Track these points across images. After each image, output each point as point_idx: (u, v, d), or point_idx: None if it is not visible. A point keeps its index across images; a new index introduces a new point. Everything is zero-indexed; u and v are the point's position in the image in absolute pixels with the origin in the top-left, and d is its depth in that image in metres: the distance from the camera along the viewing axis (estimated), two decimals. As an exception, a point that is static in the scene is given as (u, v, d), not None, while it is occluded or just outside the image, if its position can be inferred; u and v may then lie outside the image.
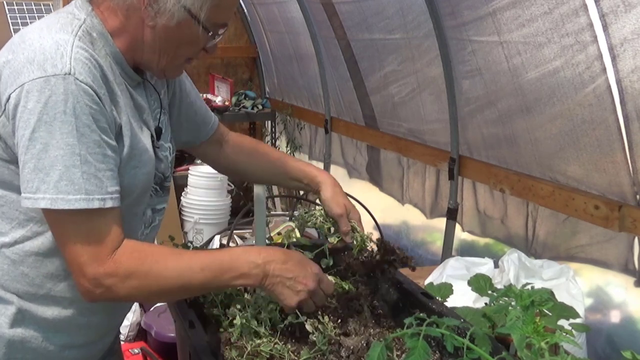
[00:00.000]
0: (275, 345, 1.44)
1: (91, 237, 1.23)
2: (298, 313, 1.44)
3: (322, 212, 1.71)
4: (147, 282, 1.27)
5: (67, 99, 1.19)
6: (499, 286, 1.97)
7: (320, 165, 4.75)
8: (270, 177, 1.77)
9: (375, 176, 4.11)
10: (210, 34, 1.34)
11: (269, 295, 1.38)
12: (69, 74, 1.20)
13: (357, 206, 3.87)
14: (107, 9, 1.33)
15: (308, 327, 1.44)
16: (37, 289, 1.35)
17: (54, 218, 1.24)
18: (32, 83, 1.20)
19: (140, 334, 2.77)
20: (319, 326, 1.47)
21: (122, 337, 2.73)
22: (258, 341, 1.45)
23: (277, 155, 1.76)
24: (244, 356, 1.43)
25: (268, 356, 1.44)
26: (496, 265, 2.42)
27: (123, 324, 2.77)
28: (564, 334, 1.16)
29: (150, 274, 1.27)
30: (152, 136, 1.43)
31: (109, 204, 1.23)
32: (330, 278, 1.53)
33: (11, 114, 1.22)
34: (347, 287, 1.59)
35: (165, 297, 1.36)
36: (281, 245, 1.77)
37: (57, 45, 1.23)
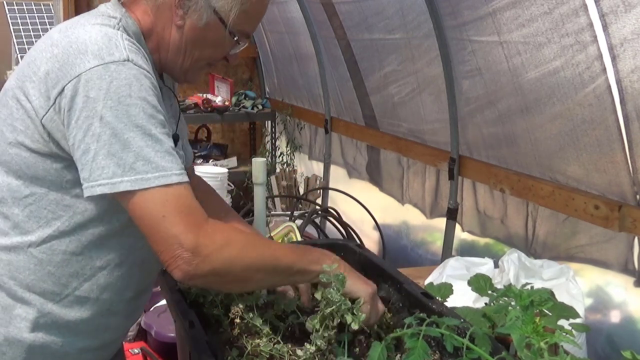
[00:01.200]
0: (275, 345, 1.44)
1: (181, 208, 1.21)
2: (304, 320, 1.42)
3: None
4: (243, 253, 1.25)
5: (130, 83, 1.20)
6: (499, 286, 1.97)
7: (321, 165, 4.75)
8: None
9: (375, 176, 4.11)
10: (235, 39, 1.36)
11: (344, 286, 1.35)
12: (128, 60, 1.21)
13: (357, 206, 3.88)
14: (139, 10, 1.35)
15: (308, 325, 1.44)
16: (62, 289, 1.34)
17: (135, 200, 1.21)
18: (90, 72, 1.20)
19: (140, 334, 2.76)
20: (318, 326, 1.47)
21: (122, 337, 2.73)
22: (257, 341, 1.45)
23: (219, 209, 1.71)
24: (244, 356, 1.43)
25: (268, 356, 1.44)
26: (496, 265, 2.42)
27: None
28: (564, 334, 1.16)
29: (247, 244, 1.27)
30: (172, 141, 1.44)
31: (186, 179, 1.23)
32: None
33: (67, 107, 1.21)
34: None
35: (255, 274, 1.29)
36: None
37: (109, 37, 1.24)
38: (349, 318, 1.33)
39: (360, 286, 1.37)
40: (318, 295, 1.37)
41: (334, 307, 1.32)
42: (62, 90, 1.21)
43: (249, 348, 1.43)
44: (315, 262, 1.33)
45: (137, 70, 1.21)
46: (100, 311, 1.39)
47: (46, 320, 1.35)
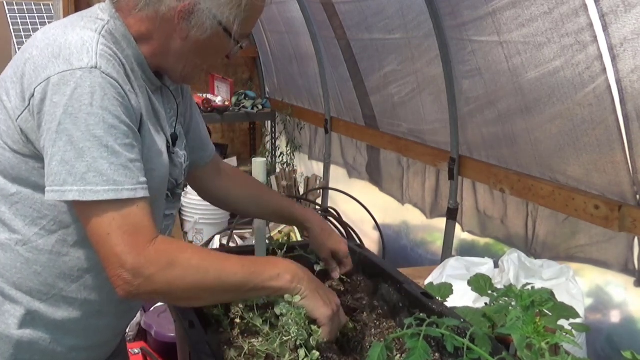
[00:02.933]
0: (273, 345, 1.44)
1: (126, 226, 1.19)
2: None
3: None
4: (187, 273, 1.22)
5: (93, 92, 1.19)
6: (499, 286, 1.97)
7: (321, 165, 4.75)
8: (261, 213, 1.77)
9: (375, 176, 4.11)
10: (239, 45, 1.39)
11: (301, 302, 1.34)
12: (95, 67, 1.21)
13: (357, 206, 3.88)
14: (134, 17, 1.34)
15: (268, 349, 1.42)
16: (49, 289, 1.34)
17: (84, 211, 1.21)
18: (58, 76, 1.19)
19: (140, 334, 2.76)
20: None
21: (122, 337, 2.73)
22: (254, 341, 1.45)
23: (270, 194, 1.78)
24: (243, 356, 1.43)
25: (265, 355, 1.44)
26: (496, 265, 2.42)
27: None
28: (564, 334, 1.16)
29: (192, 263, 1.23)
30: (167, 141, 1.43)
31: (141, 194, 1.21)
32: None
33: (37, 109, 1.21)
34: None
35: (201, 293, 1.27)
36: (282, 244, 1.77)
37: (83, 41, 1.24)
38: (308, 343, 1.33)
39: (319, 310, 1.34)
40: (277, 311, 1.38)
41: (290, 337, 1.34)
42: (34, 92, 1.21)
43: (246, 348, 1.43)
44: (275, 278, 1.30)
45: (103, 78, 1.20)
46: (89, 312, 1.39)
47: (33, 318, 1.35)
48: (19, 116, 1.25)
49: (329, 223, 1.67)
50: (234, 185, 1.75)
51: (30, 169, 1.28)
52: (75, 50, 1.22)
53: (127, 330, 2.86)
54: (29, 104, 1.23)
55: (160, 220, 1.45)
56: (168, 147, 1.43)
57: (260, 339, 1.45)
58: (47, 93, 1.20)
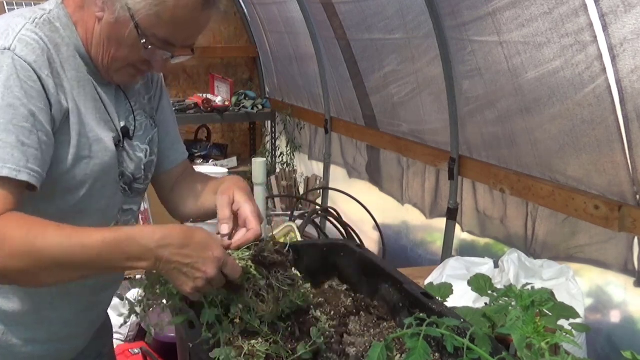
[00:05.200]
0: (272, 345, 1.44)
1: None
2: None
3: None
4: (17, 253, 1.14)
5: (0, 70, 1.21)
6: (499, 286, 1.97)
7: (321, 165, 4.75)
8: (201, 203, 1.60)
9: (375, 176, 4.11)
10: (143, 41, 1.31)
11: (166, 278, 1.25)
12: (8, 49, 1.23)
13: (357, 206, 3.88)
14: (72, 1, 1.36)
15: None
16: None
17: None
18: None
19: (140, 334, 2.76)
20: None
21: (121, 338, 2.72)
22: (254, 341, 1.45)
23: (209, 184, 1.59)
24: (242, 356, 1.43)
25: (265, 356, 1.44)
26: (496, 265, 2.42)
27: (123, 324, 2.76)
28: (564, 334, 1.16)
29: (29, 239, 1.15)
30: (117, 132, 1.41)
31: (24, 177, 1.18)
32: (238, 261, 1.33)
33: None
34: (255, 273, 1.38)
35: (40, 273, 1.18)
36: (282, 244, 1.77)
37: (7, 26, 1.27)
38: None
39: (179, 284, 1.24)
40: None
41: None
42: None
43: (246, 348, 1.44)
44: (131, 259, 1.18)
45: (14, 60, 1.22)
46: (40, 304, 1.38)
47: None
48: None
49: (249, 189, 1.42)
50: (193, 191, 1.61)
51: None
52: None
53: (124, 330, 2.86)
54: None
55: (110, 212, 1.42)
56: (119, 140, 1.41)
57: (260, 340, 1.45)
58: None
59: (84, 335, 1.53)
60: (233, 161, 5.34)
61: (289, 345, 1.48)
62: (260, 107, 5.36)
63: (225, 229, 1.37)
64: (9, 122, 1.19)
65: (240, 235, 1.35)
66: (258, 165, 1.69)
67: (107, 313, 1.66)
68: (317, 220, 3.27)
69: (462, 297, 1.92)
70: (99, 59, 1.36)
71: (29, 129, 1.21)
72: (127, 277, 1.58)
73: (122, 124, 1.44)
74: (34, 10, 1.34)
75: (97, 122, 1.36)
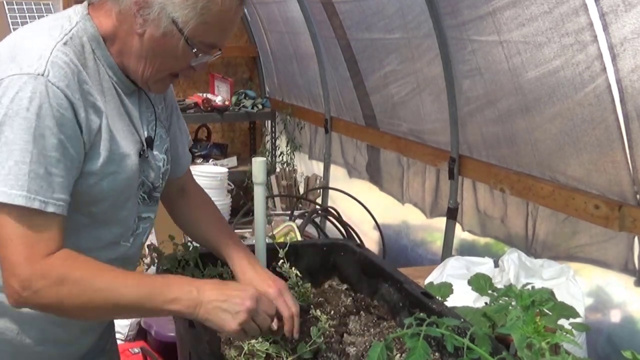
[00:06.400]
0: (272, 344, 1.44)
1: (28, 237, 1.21)
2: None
3: None
4: (76, 291, 1.23)
5: (33, 98, 1.21)
6: (499, 286, 1.97)
7: (321, 165, 4.75)
8: (205, 245, 1.68)
9: (375, 176, 4.11)
10: (194, 50, 1.33)
11: (209, 325, 1.30)
12: (42, 75, 1.22)
13: (357, 206, 3.87)
14: (103, 14, 1.35)
15: None
16: None
17: None
18: (8, 79, 1.22)
19: (140, 333, 2.76)
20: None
21: (122, 337, 2.72)
22: (254, 341, 1.45)
23: (215, 228, 1.65)
24: (242, 355, 1.43)
25: (265, 355, 1.44)
26: (496, 265, 2.41)
27: (123, 324, 2.77)
28: (564, 333, 1.16)
29: (82, 282, 1.24)
30: (142, 144, 1.43)
31: (51, 209, 1.22)
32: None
33: None
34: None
35: (92, 312, 1.28)
36: (282, 244, 1.77)
37: (38, 47, 1.26)
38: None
39: (225, 328, 1.30)
40: None
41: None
42: None
43: (246, 348, 1.44)
44: (171, 302, 1.27)
45: (47, 87, 1.22)
46: None
47: (0, 309, 1.36)
48: None
49: (260, 269, 1.55)
50: (191, 212, 1.69)
51: None
52: (29, 56, 1.25)
53: (124, 330, 2.86)
54: None
55: (129, 221, 1.44)
56: (143, 150, 1.42)
57: (260, 339, 1.46)
58: None
59: (93, 334, 1.55)
60: (233, 160, 5.34)
61: (289, 345, 1.48)
62: (260, 106, 5.35)
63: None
64: (39, 153, 1.20)
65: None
66: (258, 164, 1.68)
67: None
68: (317, 220, 3.27)
69: (462, 297, 1.92)
70: (139, 71, 1.36)
71: (57, 158, 1.23)
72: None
73: (146, 133, 1.46)
74: (61, 24, 1.32)
75: (124, 135, 1.37)
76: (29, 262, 1.21)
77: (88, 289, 1.24)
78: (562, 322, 1.58)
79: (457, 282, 1.86)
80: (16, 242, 1.21)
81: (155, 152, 1.48)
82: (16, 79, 1.22)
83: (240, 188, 4.69)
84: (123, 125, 1.38)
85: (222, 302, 1.28)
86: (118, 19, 1.33)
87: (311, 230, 3.19)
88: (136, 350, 2.50)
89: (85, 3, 1.37)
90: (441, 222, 3.35)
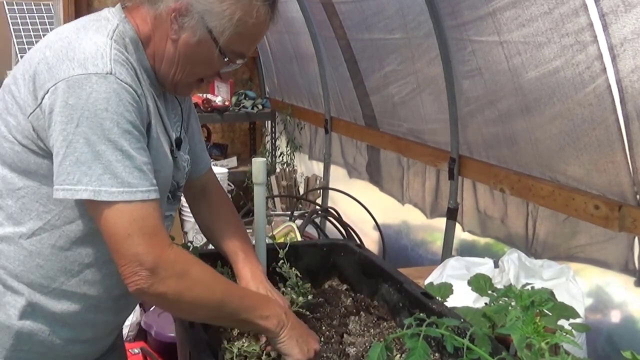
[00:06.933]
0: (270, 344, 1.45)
1: (146, 228, 1.25)
2: None
3: None
4: (194, 287, 1.29)
5: (109, 97, 1.22)
6: (499, 286, 1.96)
7: (321, 165, 4.75)
8: (221, 252, 1.70)
9: (375, 176, 4.11)
10: (226, 59, 1.38)
11: (279, 346, 1.39)
12: (110, 73, 1.24)
13: (357, 206, 3.87)
14: (139, 17, 1.38)
15: None
16: (49, 282, 1.36)
17: (100, 211, 1.25)
18: (72, 79, 1.23)
19: (140, 333, 2.76)
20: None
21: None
22: (253, 341, 1.45)
23: (230, 236, 1.66)
24: (242, 355, 1.43)
25: (262, 356, 1.44)
26: (496, 265, 2.41)
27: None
28: (564, 334, 1.16)
29: (201, 280, 1.31)
30: (171, 144, 1.46)
31: (153, 196, 1.27)
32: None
33: (48, 109, 1.24)
34: None
35: (201, 311, 1.34)
36: (282, 244, 1.77)
37: (97, 46, 1.27)
38: None
39: (293, 356, 1.39)
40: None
41: None
42: (47, 91, 1.25)
43: (244, 347, 1.44)
44: (264, 318, 1.36)
45: (118, 84, 1.24)
46: (87, 306, 1.41)
47: (34, 310, 1.37)
48: (30, 113, 1.28)
49: (268, 286, 1.57)
50: (209, 215, 1.72)
51: (39, 163, 1.31)
52: (90, 55, 1.25)
53: (125, 330, 2.86)
54: (40, 103, 1.26)
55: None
56: (172, 150, 1.45)
57: (252, 340, 1.46)
58: (59, 95, 1.23)
59: (116, 333, 1.58)
60: (233, 161, 5.34)
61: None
62: (260, 107, 5.35)
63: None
64: (129, 148, 1.24)
65: None
66: (258, 165, 1.68)
67: None
68: (317, 220, 3.27)
69: (462, 297, 1.92)
70: (170, 75, 1.40)
71: (143, 148, 1.28)
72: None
73: (174, 135, 1.49)
74: (104, 25, 1.35)
75: (162, 135, 1.41)
76: (155, 251, 1.25)
77: (206, 287, 1.31)
78: (562, 322, 1.58)
79: (457, 283, 1.86)
80: (136, 236, 1.24)
81: (181, 153, 1.52)
82: (84, 78, 1.22)
83: (240, 188, 4.69)
84: (159, 125, 1.41)
85: (301, 335, 1.40)
86: (153, 24, 1.36)
87: (311, 230, 3.19)
88: (136, 350, 2.50)
89: (119, 6, 1.40)
90: (441, 222, 3.35)
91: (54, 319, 1.39)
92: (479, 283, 1.77)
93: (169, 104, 1.50)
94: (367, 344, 1.53)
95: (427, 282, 2.28)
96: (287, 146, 5.29)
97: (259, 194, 1.69)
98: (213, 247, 1.74)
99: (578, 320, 1.63)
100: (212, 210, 1.72)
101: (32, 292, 1.36)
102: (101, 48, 1.27)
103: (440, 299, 1.64)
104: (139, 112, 1.28)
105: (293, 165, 5.25)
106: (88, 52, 1.26)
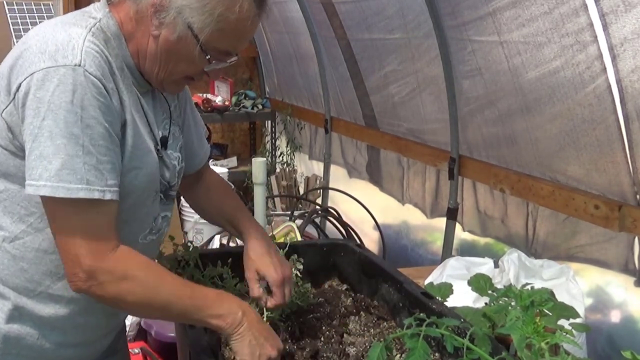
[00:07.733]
0: None
1: (91, 229, 1.24)
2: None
3: None
4: (138, 290, 1.28)
5: (75, 90, 1.20)
6: (499, 286, 1.96)
7: (321, 165, 4.75)
8: (221, 222, 1.71)
9: (375, 176, 4.11)
10: (208, 57, 1.34)
11: (232, 345, 1.35)
12: (79, 65, 1.22)
13: (357, 206, 3.87)
14: (123, 12, 1.35)
15: None
16: (35, 286, 1.35)
17: (53, 207, 1.24)
18: (42, 72, 1.21)
19: (140, 334, 2.76)
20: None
21: (122, 337, 2.72)
22: None
23: (230, 203, 1.68)
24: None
25: None
26: (496, 265, 2.41)
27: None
28: (564, 334, 1.16)
29: (144, 282, 1.29)
30: (156, 142, 1.43)
31: (108, 196, 1.24)
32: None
33: (21, 102, 1.23)
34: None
35: (147, 310, 1.35)
36: (282, 244, 1.77)
37: (70, 38, 1.25)
38: None
39: (243, 351, 1.34)
40: None
41: None
42: (19, 86, 1.23)
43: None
44: (216, 317, 1.32)
45: (86, 77, 1.21)
46: (76, 309, 1.39)
47: (21, 314, 1.36)
48: (3, 110, 1.27)
49: (275, 246, 1.58)
50: (204, 192, 1.71)
51: (18, 165, 1.29)
52: (62, 47, 1.23)
53: (127, 330, 2.86)
54: (13, 98, 1.25)
55: (149, 219, 1.45)
56: (157, 149, 1.43)
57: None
58: (31, 87, 1.21)
59: (111, 336, 1.55)
60: (233, 161, 5.34)
61: (287, 346, 1.48)
62: (260, 107, 5.35)
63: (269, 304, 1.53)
64: (89, 144, 1.21)
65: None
66: (258, 165, 1.68)
67: None
68: (317, 220, 3.27)
69: (462, 297, 1.92)
70: (154, 72, 1.37)
71: (106, 146, 1.24)
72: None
73: (161, 133, 1.46)
74: (86, 18, 1.33)
75: (145, 132, 1.38)
76: (95, 255, 1.24)
77: (149, 290, 1.29)
78: (562, 322, 1.58)
79: (457, 283, 1.86)
80: (80, 236, 1.23)
81: (169, 151, 1.49)
82: (52, 71, 1.21)
83: (241, 188, 4.69)
84: (143, 122, 1.38)
85: (257, 338, 1.33)
86: (136, 19, 1.34)
87: (311, 230, 3.19)
88: (136, 350, 2.49)
89: (104, 1, 1.37)
90: (441, 222, 3.35)
91: (42, 322, 1.38)
92: (479, 283, 1.77)
93: (157, 102, 1.48)
94: (367, 344, 1.53)
95: (427, 282, 2.28)
96: (287, 146, 5.29)
97: (259, 193, 1.70)
98: (213, 247, 1.74)
99: (578, 320, 1.63)
100: (208, 187, 1.71)
101: (18, 295, 1.35)
102: (74, 39, 1.25)
103: (440, 299, 1.64)
104: (107, 108, 1.25)
105: (293, 165, 5.25)
106: (60, 43, 1.24)
